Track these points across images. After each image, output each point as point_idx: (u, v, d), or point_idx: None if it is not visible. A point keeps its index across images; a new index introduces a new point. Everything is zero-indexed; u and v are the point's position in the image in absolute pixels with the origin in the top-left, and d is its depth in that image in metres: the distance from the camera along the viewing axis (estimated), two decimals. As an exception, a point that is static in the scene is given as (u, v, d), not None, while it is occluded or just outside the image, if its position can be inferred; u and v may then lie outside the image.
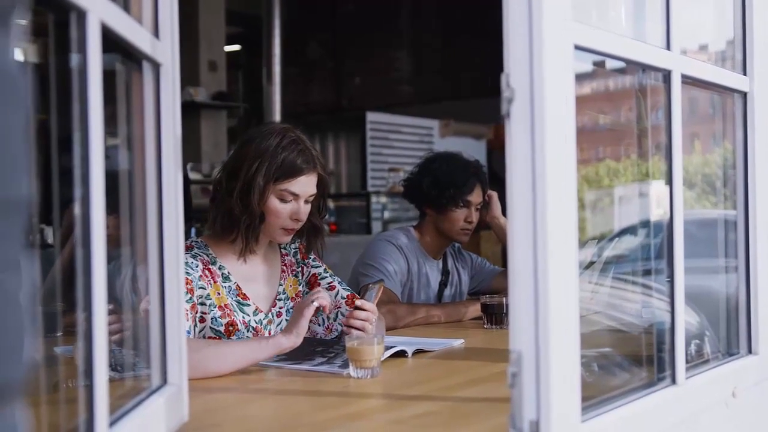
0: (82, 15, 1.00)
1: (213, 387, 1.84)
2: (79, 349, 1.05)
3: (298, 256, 2.45)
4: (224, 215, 2.23)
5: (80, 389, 1.08)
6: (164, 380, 1.39)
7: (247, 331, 2.24)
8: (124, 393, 1.33)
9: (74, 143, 1.03)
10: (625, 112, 2.07)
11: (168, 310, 1.40)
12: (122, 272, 1.47)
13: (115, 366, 1.38)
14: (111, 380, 1.08)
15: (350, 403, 1.74)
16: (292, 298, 2.39)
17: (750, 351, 1.84)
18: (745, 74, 1.83)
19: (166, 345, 1.40)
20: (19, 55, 0.59)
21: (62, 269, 2.15)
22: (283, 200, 2.22)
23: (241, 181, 2.19)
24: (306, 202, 2.26)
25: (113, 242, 1.23)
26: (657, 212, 2.00)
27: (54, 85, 1.11)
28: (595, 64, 1.50)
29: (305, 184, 2.24)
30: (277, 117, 8.56)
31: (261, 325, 2.28)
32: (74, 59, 1.03)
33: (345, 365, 1.94)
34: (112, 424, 1.10)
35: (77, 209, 1.02)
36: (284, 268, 2.41)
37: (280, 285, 2.38)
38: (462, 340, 2.41)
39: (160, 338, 1.39)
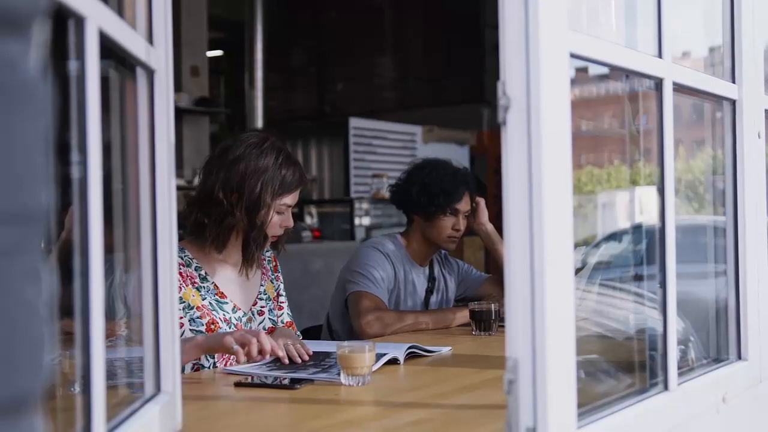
0: (80, 21, 0.99)
1: (206, 396, 1.84)
2: (76, 357, 1.04)
3: (272, 265, 2.55)
4: (226, 231, 2.29)
5: (73, 397, 1.07)
6: (158, 389, 1.38)
7: (229, 327, 2.30)
8: (117, 401, 1.31)
9: (71, 149, 1.03)
10: (608, 118, 2.08)
11: (161, 318, 1.39)
12: (114, 280, 1.46)
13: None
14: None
15: (342, 410, 1.73)
16: (273, 299, 2.48)
17: (739, 357, 1.85)
18: (733, 82, 1.84)
19: (160, 353, 1.39)
20: (39, 62, 0.59)
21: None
22: (279, 212, 2.34)
23: (246, 200, 2.26)
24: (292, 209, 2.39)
25: (105, 248, 1.22)
26: (642, 218, 2.01)
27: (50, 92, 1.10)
28: (578, 69, 1.50)
29: (297, 195, 2.38)
30: (260, 123, 8.54)
31: (241, 322, 2.35)
32: (71, 65, 1.02)
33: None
34: (108, 433, 1.09)
35: (75, 216, 1.01)
36: (264, 270, 2.50)
37: (261, 285, 2.46)
38: (449, 348, 2.41)
39: (153, 347, 1.38)
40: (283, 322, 2.45)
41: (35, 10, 0.58)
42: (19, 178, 0.55)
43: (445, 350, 2.38)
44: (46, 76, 0.59)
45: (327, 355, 2.21)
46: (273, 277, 2.53)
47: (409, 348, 2.23)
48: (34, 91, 0.57)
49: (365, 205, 7.58)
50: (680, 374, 1.59)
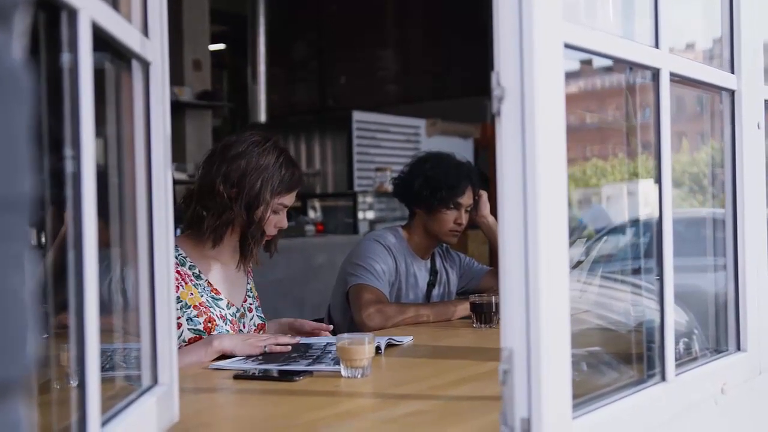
0: (73, 13, 0.99)
1: (203, 387, 1.84)
2: (71, 350, 1.05)
3: (251, 266, 2.57)
4: (224, 225, 2.31)
5: (70, 390, 1.07)
6: (155, 380, 1.39)
7: (225, 324, 2.33)
8: (114, 393, 1.32)
9: (64, 143, 1.03)
10: (612, 110, 2.07)
11: (158, 310, 1.39)
12: (110, 273, 1.46)
13: (103, 366, 1.37)
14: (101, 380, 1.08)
15: (341, 402, 1.74)
16: (256, 297, 2.53)
17: (738, 348, 1.85)
18: (732, 72, 1.84)
19: (157, 345, 1.39)
20: (21, 52, 0.59)
21: (48, 269, 2.16)
22: (275, 212, 2.36)
23: (246, 195, 2.29)
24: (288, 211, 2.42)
25: (101, 243, 1.23)
26: (645, 211, 2.01)
27: (42, 84, 1.10)
28: (582, 62, 1.50)
29: (294, 196, 2.41)
30: (262, 117, 8.55)
31: (235, 318, 2.38)
32: (64, 58, 1.02)
33: (338, 362, 1.93)
34: (104, 423, 1.09)
35: (69, 211, 1.01)
36: (249, 269, 2.53)
37: (248, 283, 2.51)
38: (411, 338, 2.42)
39: (150, 339, 1.39)
40: (254, 325, 2.46)
41: (17, 0, 0.58)
42: (2, 167, 0.56)
43: (407, 340, 2.40)
44: (28, 67, 0.60)
45: (308, 346, 2.23)
46: (252, 277, 2.58)
47: (388, 339, 2.28)
48: (17, 81, 0.58)
49: (369, 199, 7.58)
50: (678, 365, 1.59)
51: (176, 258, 2.30)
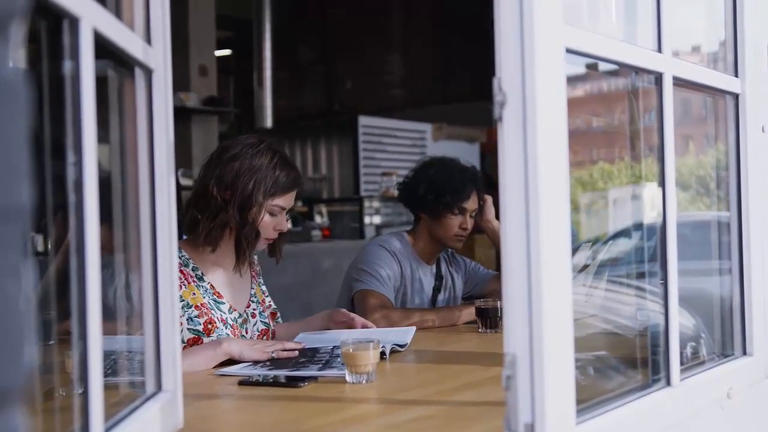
0: (74, 22, 1.00)
1: (207, 394, 1.84)
2: (74, 356, 1.05)
3: (258, 269, 2.58)
4: (219, 227, 2.31)
5: (75, 397, 1.07)
6: (159, 387, 1.39)
7: (225, 327, 2.33)
8: (118, 400, 1.32)
9: (67, 150, 1.03)
10: (618, 114, 2.07)
11: (162, 316, 1.39)
12: (115, 280, 1.47)
13: (107, 372, 1.38)
14: (105, 386, 1.08)
15: (346, 408, 1.74)
16: (261, 302, 2.52)
17: (744, 352, 1.84)
18: (736, 76, 1.83)
19: (161, 352, 1.39)
20: (18, 62, 0.60)
21: (53, 276, 2.17)
22: (272, 214, 2.35)
23: (239, 196, 2.29)
24: (287, 213, 2.41)
25: (106, 250, 1.23)
26: (651, 215, 2.01)
27: (45, 92, 1.11)
28: (588, 66, 1.50)
29: (292, 198, 2.39)
30: (269, 122, 8.55)
31: (237, 323, 2.38)
32: (66, 66, 1.02)
33: (344, 367, 1.93)
34: (107, 430, 1.09)
35: (71, 217, 1.01)
36: (253, 274, 2.53)
37: (252, 288, 2.50)
38: (413, 328, 2.46)
39: (154, 345, 1.39)
40: (258, 331, 2.47)
41: (14, 10, 0.58)
42: (-1, 177, 0.56)
43: (411, 331, 2.43)
44: (26, 76, 0.60)
45: (316, 351, 2.23)
46: (260, 281, 2.57)
47: (392, 347, 2.26)
48: (14, 91, 0.58)
49: (375, 204, 7.58)
50: (684, 370, 1.59)
51: (180, 259, 2.30)
